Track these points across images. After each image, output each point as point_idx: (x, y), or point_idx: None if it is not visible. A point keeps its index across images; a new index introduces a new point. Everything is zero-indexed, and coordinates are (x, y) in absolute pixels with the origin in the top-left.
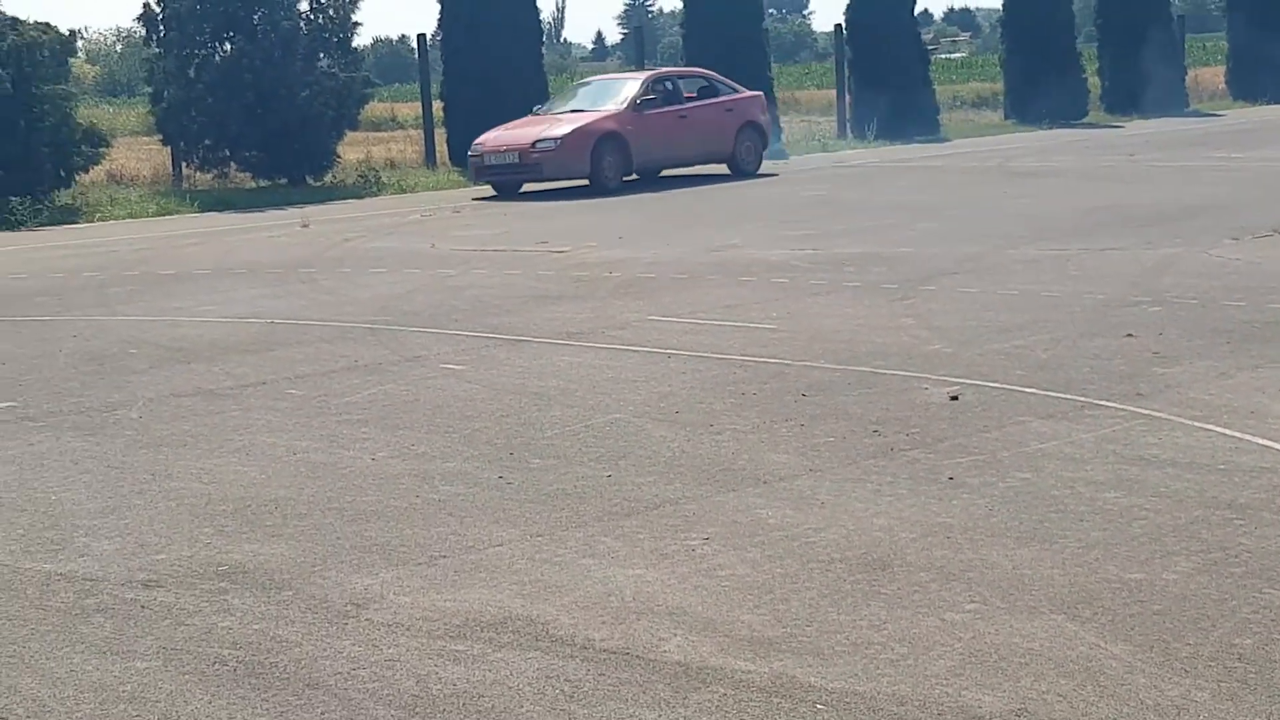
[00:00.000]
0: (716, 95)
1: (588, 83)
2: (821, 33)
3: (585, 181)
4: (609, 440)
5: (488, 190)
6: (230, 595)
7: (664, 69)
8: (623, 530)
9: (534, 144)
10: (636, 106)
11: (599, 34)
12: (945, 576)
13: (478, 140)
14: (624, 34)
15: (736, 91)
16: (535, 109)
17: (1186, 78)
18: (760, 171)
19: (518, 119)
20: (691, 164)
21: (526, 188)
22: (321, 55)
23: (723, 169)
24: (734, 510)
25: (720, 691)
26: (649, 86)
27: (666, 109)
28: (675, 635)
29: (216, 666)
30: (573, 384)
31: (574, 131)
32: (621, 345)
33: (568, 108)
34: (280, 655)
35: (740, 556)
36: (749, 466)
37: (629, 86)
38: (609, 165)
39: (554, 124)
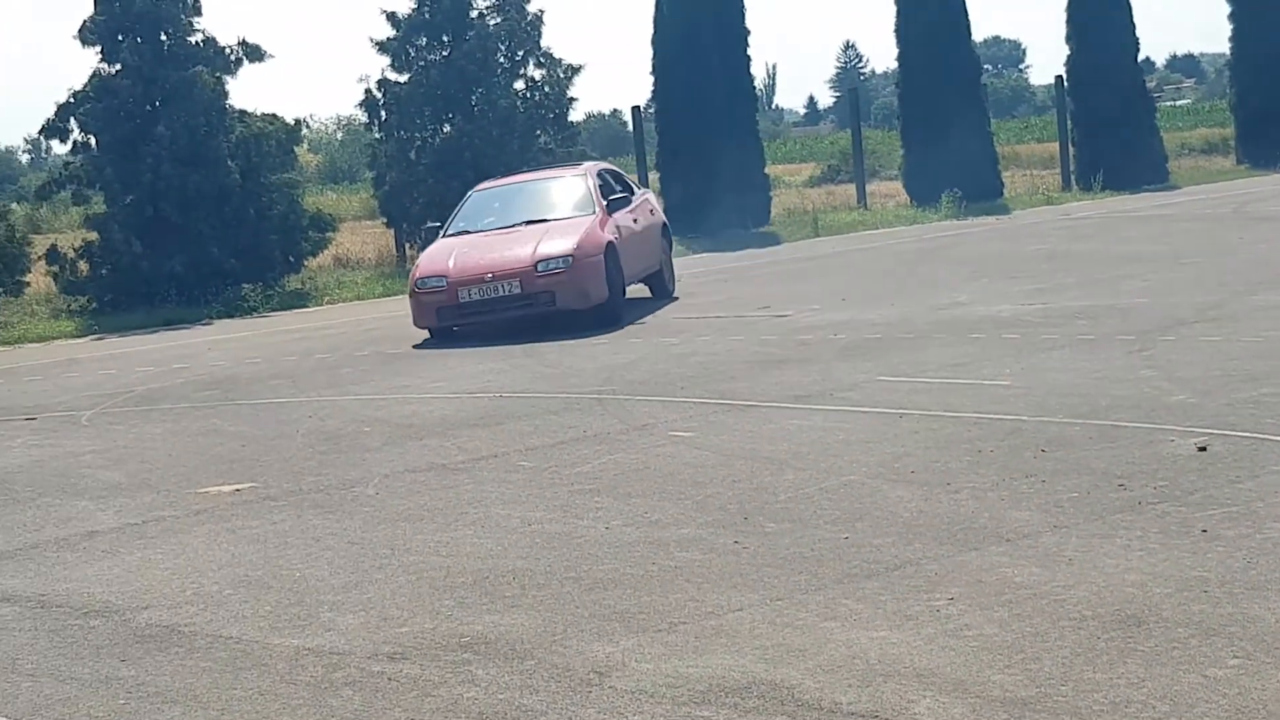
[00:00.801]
0: (632, 193)
1: (490, 188)
2: (1040, 85)
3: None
4: (844, 502)
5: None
6: (474, 666)
7: (592, 163)
8: (864, 592)
9: (536, 265)
10: (608, 208)
11: (810, 98)
12: (1205, 632)
13: (427, 269)
14: (837, 97)
15: (635, 188)
16: (442, 230)
17: None
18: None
19: (434, 244)
20: (636, 281)
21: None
22: (539, 132)
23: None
24: (978, 569)
25: None
26: (604, 182)
27: (622, 212)
28: (925, 697)
29: None
30: (804, 447)
31: (582, 244)
32: (851, 407)
33: (503, 222)
34: None
35: (987, 616)
36: (990, 524)
37: (575, 185)
38: (618, 285)
39: (526, 240)
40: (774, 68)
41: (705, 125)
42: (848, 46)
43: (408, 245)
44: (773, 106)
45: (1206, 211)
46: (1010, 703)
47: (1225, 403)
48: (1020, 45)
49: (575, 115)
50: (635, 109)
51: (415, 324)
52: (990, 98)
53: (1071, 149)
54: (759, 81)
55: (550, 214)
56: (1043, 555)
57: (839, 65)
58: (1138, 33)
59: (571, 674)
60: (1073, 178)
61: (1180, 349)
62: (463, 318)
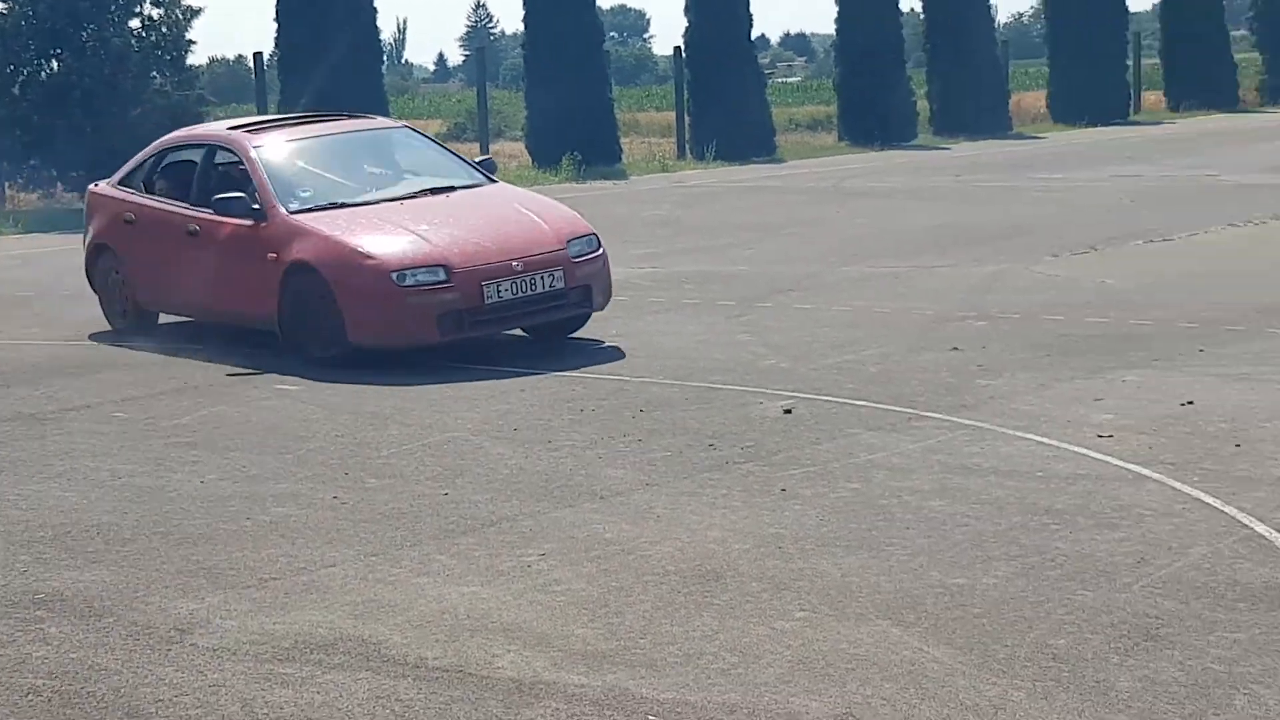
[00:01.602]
0: None
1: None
2: (662, 56)
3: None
4: (446, 458)
5: None
6: (47, 624)
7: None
8: (458, 548)
9: (569, 248)
10: None
11: (441, 55)
12: (776, 586)
13: (400, 258)
14: (466, 55)
15: None
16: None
17: (1010, 101)
18: None
19: (357, 208)
20: None
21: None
22: (154, 73)
23: None
24: (570, 526)
25: (553, 706)
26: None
27: None
28: (509, 651)
29: (30, 697)
30: (409, 403)
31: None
32: (458, 364)
33: (380, 189)
34: (99, 684)
35: (576, 571)
36: (586, 482)
37: (415, 141)
38: None
39: (500, 215)
40: (404, 22)
41: (328, 75)
42: (478, 5)
43: (7, 185)
44: (402, 61)
45: (810, 185)
46: (590, 655)
47: (812, 368)
48: (645, 15)
49: (195, 58)
50: (257, 55)
51: (381, 340)
52: (614, 65)
53: (688, 119)
54: (388, 35)
55: (440, 180)
56: (633, 512)
57: (469, 24)
58: (752, 9)
59: (152, 631)
60: (688, 147)
61: (776, 315)
62: (481, 325)
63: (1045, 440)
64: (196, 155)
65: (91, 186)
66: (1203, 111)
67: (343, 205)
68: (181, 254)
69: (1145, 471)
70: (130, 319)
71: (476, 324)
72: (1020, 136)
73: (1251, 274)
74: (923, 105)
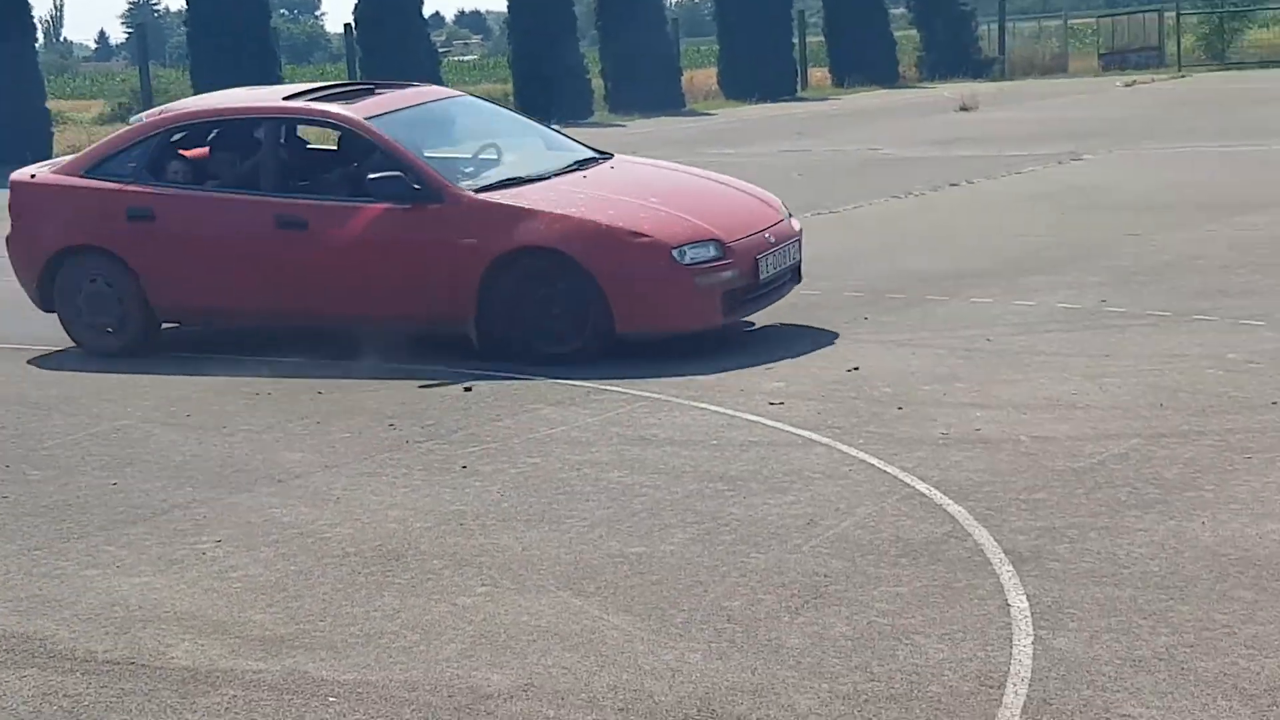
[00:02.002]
0: None
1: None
2: (335, 34)
3: None
4: (114, 448)
5: None
6: None
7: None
8: (128, 538)
9: (792, 221)
10: None
11: (102, 33)
12: (458, 562)
13: (669, 233)
14: (128, 33)
15: None
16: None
17: (683, 79)
18: None
19: (542, 183)
20: None
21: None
22: None
23: None
24: (247, 511)
25: (230, 693)
26: None
27: None
28: (183, 640)
29: None
30: (75, 391)
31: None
32: (130, 356)
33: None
34: None
35: (253, 557)
36: (263, 466)
37: (502, 114)
38: None
39: (688, 186)
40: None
41: None
42: None
43: None
44: (60, 39)
45: None
46: (268, 640)
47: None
48: None
49: None
50: None
51: (658, 327)
52: (284, 43)
53: None
54: (44, 12)
55: (579, 150)
56: (312, 495)
57: (131, 1)
58: None
59: None
60: None
61: None
62: (752, 304)
63: (720, 409)
64: (248, 132)
65: (21, 176)
66: (866, 87)
67: (525, 180)
68: (263, 250)
69: (814, 436)
70: (130, 335)
71: (748, 303)
72: (693, 113)
73: (911, 243)
74: (598, 84)
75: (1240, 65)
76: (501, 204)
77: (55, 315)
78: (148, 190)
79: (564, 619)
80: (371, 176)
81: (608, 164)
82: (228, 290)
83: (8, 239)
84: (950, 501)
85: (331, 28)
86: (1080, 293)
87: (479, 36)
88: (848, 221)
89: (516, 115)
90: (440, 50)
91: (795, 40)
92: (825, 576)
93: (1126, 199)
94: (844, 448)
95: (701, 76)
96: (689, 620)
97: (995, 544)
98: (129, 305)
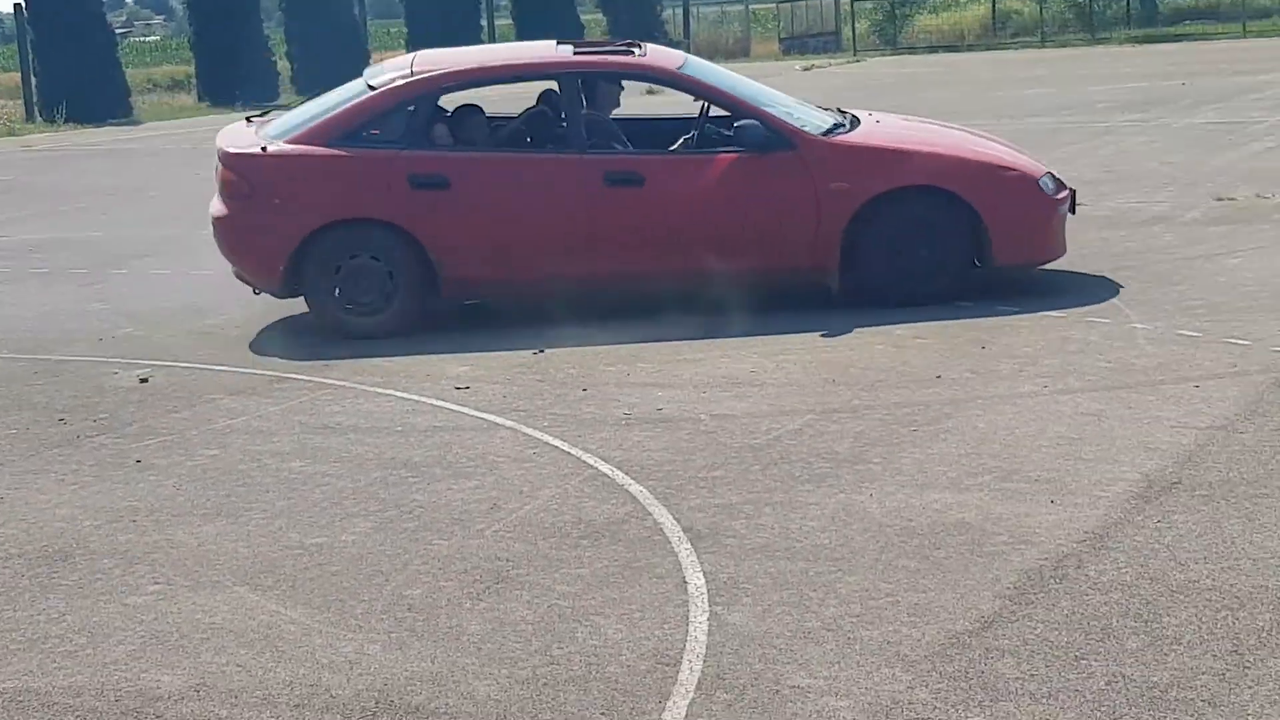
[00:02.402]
0: None
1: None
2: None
3: None
4: None
5: None
6: None
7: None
8: None
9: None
10: None
11: None
12: (129, 560)
13: (1029, 166)
14: None
15: None
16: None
17: (371, 60)
18: None
19: (876, 125)
20: None
21: None
22: None
23: None
24: None
25: None
26: None
27: None
28: None
29: None
30: None
31: None
32: None
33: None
34: None
35: None
36: None
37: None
38: None
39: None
40: None
41: None
42: None
43: None
44: None
45: (168, 147)
46: None
47: (170, 335)
48: None
49: None
50: None
51: (1030, 258)
52: None
53: (34, 80)
54: None
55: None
56: None
57: None
58: None
59: None
60: (36, 109)
61: (131, 282)
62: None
63: (405, 395)
64: (542, 88)
65: (246, 149)
66: None
67: (847, 127)
68: (588, 211)
69: (499, 420)
70: (397, 313)
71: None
72: None
73: None
74: (284, 65)
75: (912, 50)
76: (869, 146)
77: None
78: (437, 155)
79: (240, 615)
80: (737, 124)
81: (873, 116)
82: (536, 257)
83: (225, 219)
84: (632, 481)
85: (2, 7)
86: None
87: (161, 17)
88: None
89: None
90: (119, 31)
91: (484, 23)
92: (508, 561)
93: None
94: (529, 430)
95: (392, 58)
96: (369, 611)
97: (674, 522)
98: (400, 281)
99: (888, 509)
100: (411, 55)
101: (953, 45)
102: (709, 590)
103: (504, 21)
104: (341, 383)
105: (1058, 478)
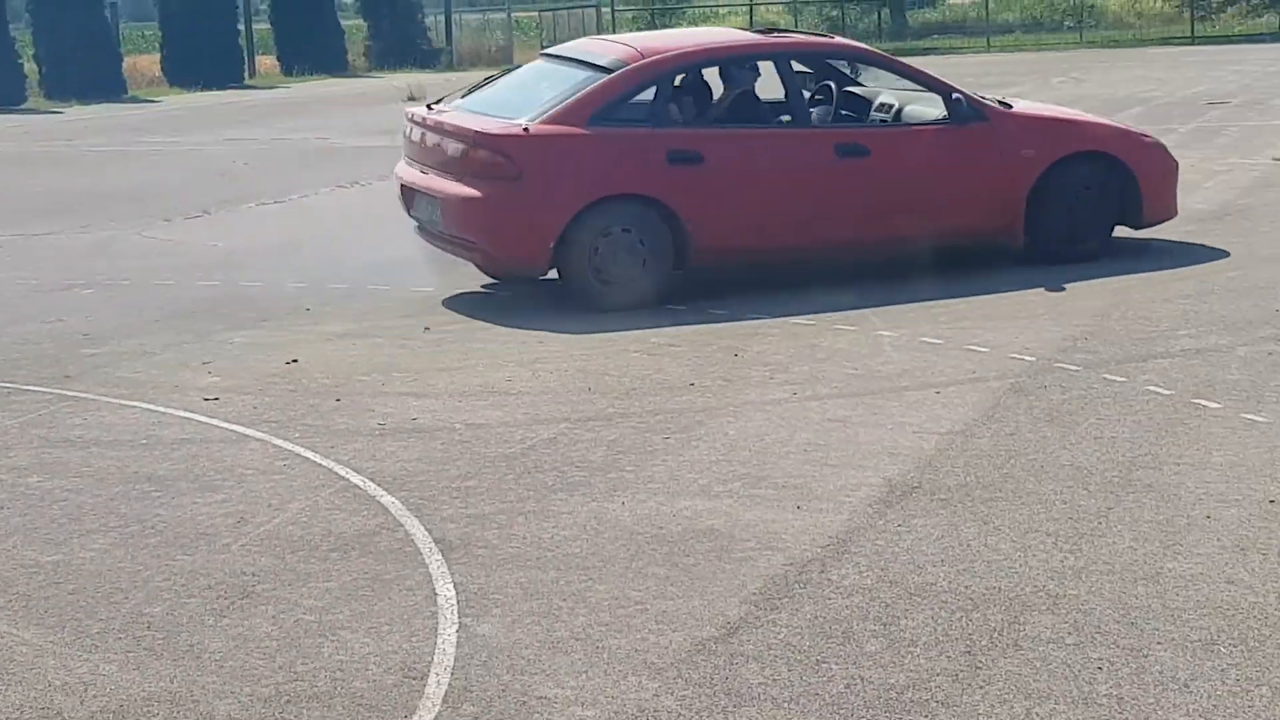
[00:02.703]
0: None
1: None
2: None
3: None
4: None
5: None
6: None
7: None
8: None
9: None
10: None
11: None
12: None
13: (1157, 138)
14: None
15: None
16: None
17: (124, 64)
18: None
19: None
20: None
21: None
22: None
23: None
24: None
25: None
26: None
27: None
28: None
29: None
30: None
31: None
32: None
33: None
34: None
35: None
36: None
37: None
38: None
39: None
40: None
41: None
42: None
43: None
44: None
45: None
46: None
47: None
48: None
49: None
50: None
51: (1163, 217)
52: None
53: None
54: None
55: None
56: None
57: None
58: None
59: None
60: None
61: None
62: None
63: (151, 407)
64: (748, 68)
65: (509, 130)
66: (315, 76)
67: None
68: (822, 181)
69: (249, 431)
70: (649, 283)
71: None
72: (136, 100)
73: (357, 234)
74: (31, 68)
75: None
76: (1046, 116)
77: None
78: (691, 132)
79: None
80: (954, 96)
81: (1002, 98)
82: (778, 226)
83: (483, 200)
84: (384, 493)
85: None
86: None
87: None
88: (293, 211)
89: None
90: None
91: (241, 26)
92: (254, 576)
93: None
94: (279, 442)
95: (145, 62)
96: (105, 630)
97: (426, 534)
98: (651, 252)
99: (639, 516)
100: (621, 37)
101: None
102: (459, 601)
103: (261, 26)
104: (84, 395)
105: (804, 483)
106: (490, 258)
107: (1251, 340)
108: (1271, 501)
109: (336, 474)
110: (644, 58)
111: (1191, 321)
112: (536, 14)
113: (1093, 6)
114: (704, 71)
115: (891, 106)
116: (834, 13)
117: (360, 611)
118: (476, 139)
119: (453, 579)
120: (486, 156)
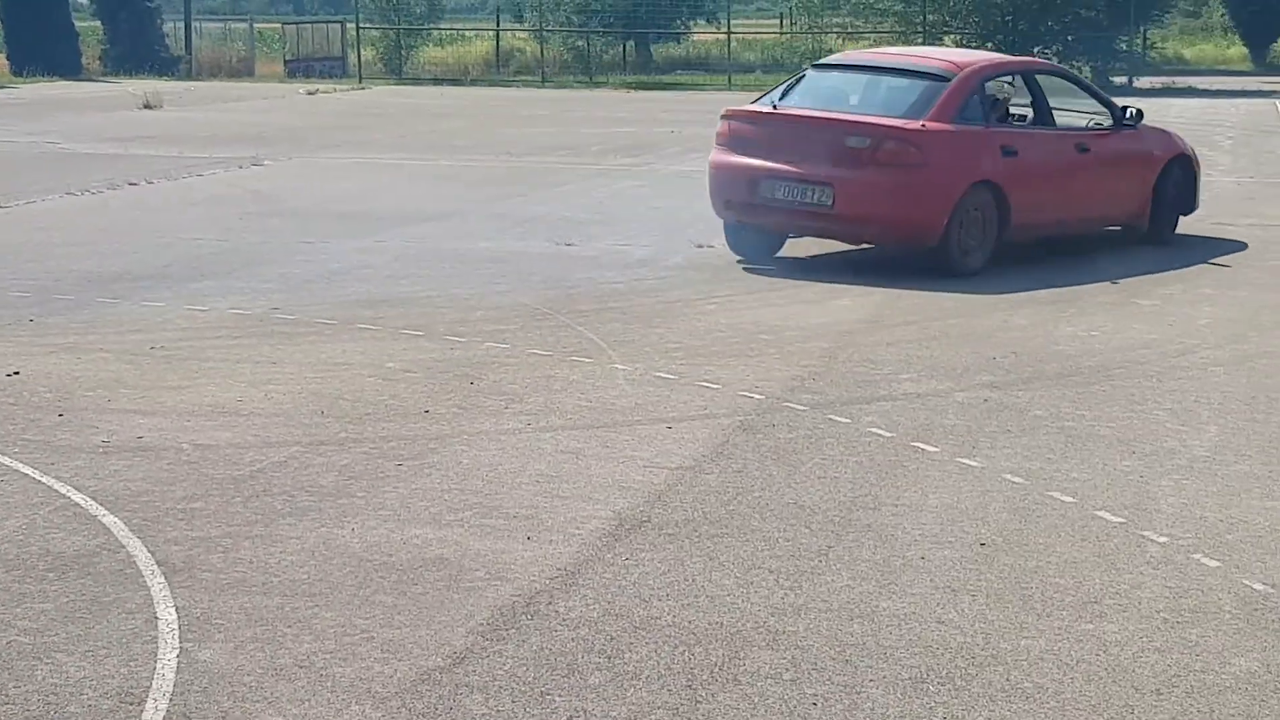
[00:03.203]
0: None
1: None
2: None
3: None
4: None
5: None
6: None
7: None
8: None
9: None
10: None
11: None
12: None
13: None
14: None
15: None
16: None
17: None
18: None
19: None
20: None
21: None
22: None
23: None
24: None
25: None
26: None
27: None
28: None
29: None
30: None
31: None
32: None
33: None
34: None
35: None
36: None
37: None
38: None
39: None
40: None
41: None
42: None
43: None
44: None
45: None
46: None
47: None
48: None
49: None
50: None
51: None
52: None
53: None
54: None
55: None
56: None
57: None
58: None
59: None
60: None
61: None
62: None
63: None
64: (1010, 79)
65: (913, 125)
66: (46, 78)
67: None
68: (1068, 173)
69: None
70: (984, 254)
71: None
72: None
73: (84, 243)
74: None
75: (417, 80)
76: (1157, 126)
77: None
78: (1008, 130)
79: None
80: (1122, 108)
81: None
82: (1053, 206)
83: (897, 183)
84: (106, 512)
85: None
86: (252, 299)
87: None
88: (18, 218)
89: None
90: None
91: None
92: None
93: (302, 206)
94: None
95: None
96: None
97: (149, 555)
98: (987, 230)
99: (368, 543)
100: (922, 51)
101: (457, 79)
102: (180, 626)
103: None
104: None
105: (536, 514)
106: (893, 232)
107: (969, 386)
108: (982, 544)
109: (57, 491)
110: (961, 70)
111: (913, 366)
112: (280, 25)
113: (830, 50)
114: (988, 83)
115: (1082, 114)
116: (579, 43)
117: (77, 634)
118: (888, 133)
119: (175, 602)
120: (897, 148)
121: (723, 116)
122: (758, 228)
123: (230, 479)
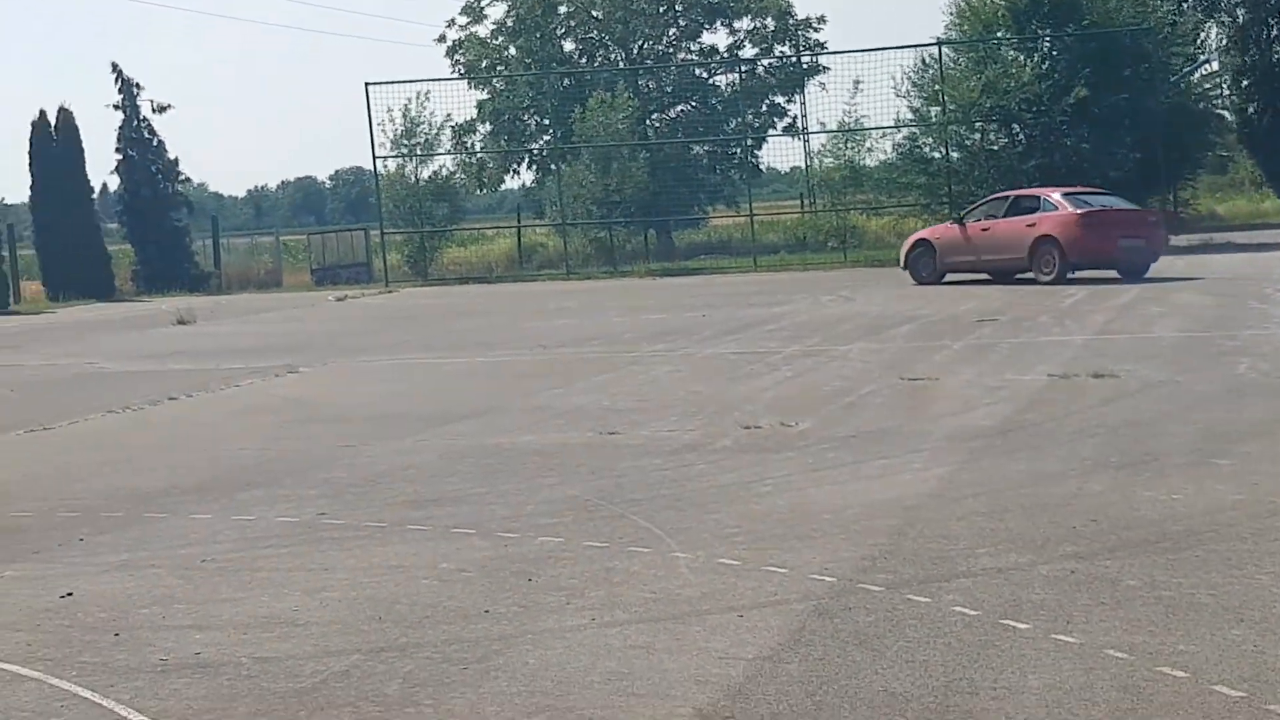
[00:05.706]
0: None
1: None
2: None
3: None
4: None
5: None
6: None
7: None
8: None
9: None
10: None
11: None
12: None
13: None
14: None
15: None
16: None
17: None
18: None
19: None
20: None
21: None
22: None
23: None
24: None
25: None
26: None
27: None
28: None
29: None
30: None
31: None
32: None
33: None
34: None
35: None
36: None
37: None
38: None
39: None
40: None
41: None
42: None
43: None
44: None
45: None
46: None
47: None
48: None
49: None
50: None
51: None
52: None
53: None
54: None
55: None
56: None
57: None
58: None
59: None
60: None
61: None
62: None
63: None
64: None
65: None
66: (82, 301)
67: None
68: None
69: (22, 671)
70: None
71: None
72: None
73: (129, 459)
74: None
75: (443, 280)
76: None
77: None
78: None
79: None
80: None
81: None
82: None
83: (1149, 241)
84: None
85: None
86: (298, 505)
87: None
88: (62, 438)
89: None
90: None
91: (5, 253)
92: None
93: (340, 411)
94: (55, 681)
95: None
96: None
97: None
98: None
99: None
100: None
101: (482, 277)
102: None
103: (28, 252)
104: None
105: (612, 714)
106: (1127, 269)
107: (1052, 558)
108: None
109: (117, 714)
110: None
111: (989, 539)
112: (305, 236)
113: (854, 227)
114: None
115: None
116: (601, 234)
117: None
118: (1156, 215)
119: None
120: (1157, 220)
121: None
122: None
123: (292, 692)
